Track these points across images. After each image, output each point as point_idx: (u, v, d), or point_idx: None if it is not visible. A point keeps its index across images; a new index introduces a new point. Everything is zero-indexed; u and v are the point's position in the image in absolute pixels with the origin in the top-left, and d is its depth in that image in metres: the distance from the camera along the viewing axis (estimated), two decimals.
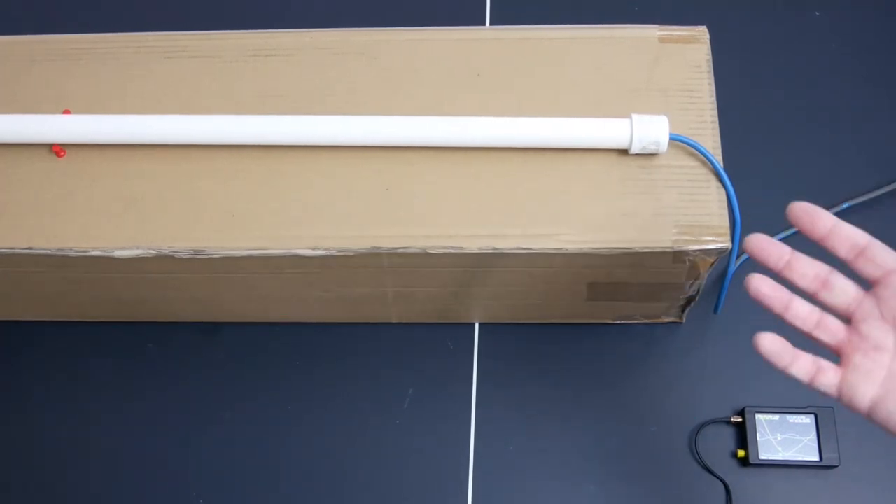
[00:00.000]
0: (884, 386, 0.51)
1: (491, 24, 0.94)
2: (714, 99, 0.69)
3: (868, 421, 0.52)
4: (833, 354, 0.53)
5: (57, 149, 0.70)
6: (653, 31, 0.72)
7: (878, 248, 0.52)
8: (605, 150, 0.67)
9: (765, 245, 0.53)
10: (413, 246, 0.66)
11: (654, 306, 0.76)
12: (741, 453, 0.72)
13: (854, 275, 0.52)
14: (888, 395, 0.51)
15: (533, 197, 0.67)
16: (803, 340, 0.53)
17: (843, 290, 0.53)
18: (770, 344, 0.52)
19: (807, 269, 0.53)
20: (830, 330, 0.53)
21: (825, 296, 0.53)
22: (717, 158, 0.66)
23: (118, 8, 0.97)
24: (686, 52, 0.71)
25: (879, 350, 0.51)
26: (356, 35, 0.73)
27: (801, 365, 0.52)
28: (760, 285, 0.53)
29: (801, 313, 0.53)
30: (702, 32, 0.72)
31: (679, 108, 0.69)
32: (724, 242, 0.64)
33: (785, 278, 0.53)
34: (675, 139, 0.66)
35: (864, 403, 0.51)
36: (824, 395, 0.52)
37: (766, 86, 0.89)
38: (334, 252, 0.66)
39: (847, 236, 0.52)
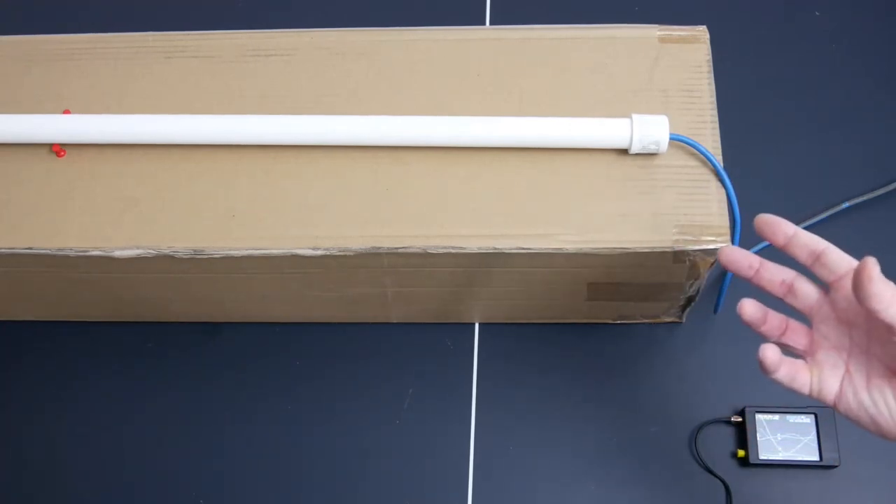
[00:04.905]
0: (842, 383, 0.54)
1: (491, 24, 0.94)
2: (714, 99, 0.69)
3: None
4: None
5: (57, 149, 0.70)
6: (653, 31, 0.72)
7: (832, 254, 0.54)
8: (605, 149, 0.68)
9: (737, 256, 0.56)
10: (413, 246, 0.66)
11: (654, 306, 0.76)
12: (741, 453, 0.72)
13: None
14: (845, 392, 0.54)
15: (533, 197, 0.67)
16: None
17: (806, 294, 0.56)
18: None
19: (774, 276, 0.56)
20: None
21: (791, 300, 0.56)
22: (717, 158, 0.66)
23: (118, 8, 0.97)
24: (686, 52, 0.71)
25: (838, 349, 0.54)
26: (356, 35, 0.73)
27: (784, 371, 0.55)
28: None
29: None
30: (702, 32, 0.72)
31: (679, 108, 0.69)
32: (724, 242, 0.64)
33: (755, 285, 0.57)
34: (675, 139, 0.66)
35: (830, 398, 0.54)
36: (800, 393, 0.55)
37: (766, 86, 0.89)
38: (334, 252, 0.66)
39: (805, 243, 0.54)
